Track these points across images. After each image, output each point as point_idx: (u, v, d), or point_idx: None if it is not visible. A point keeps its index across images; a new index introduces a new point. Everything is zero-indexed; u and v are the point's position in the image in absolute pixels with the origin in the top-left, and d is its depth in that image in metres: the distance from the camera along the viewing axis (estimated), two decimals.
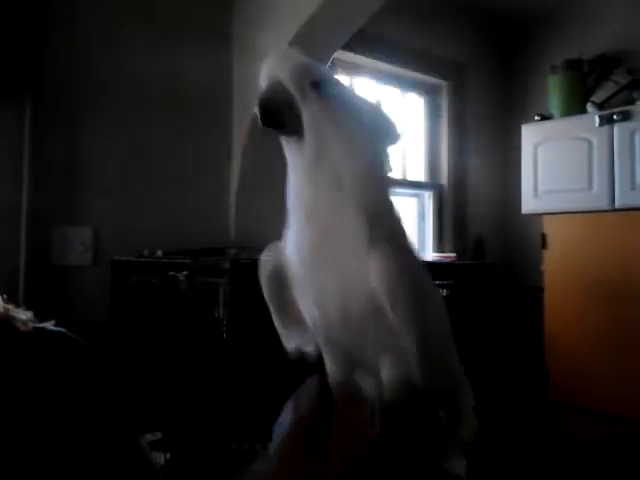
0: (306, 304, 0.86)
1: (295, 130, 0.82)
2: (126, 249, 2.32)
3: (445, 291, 2.51)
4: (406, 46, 3.53)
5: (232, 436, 1.66)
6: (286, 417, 0.84)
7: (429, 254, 3.72)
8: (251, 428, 1.23)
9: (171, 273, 1.94)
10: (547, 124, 3.31)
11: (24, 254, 2.23)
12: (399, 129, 0.89)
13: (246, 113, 2.77)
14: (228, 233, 2.78)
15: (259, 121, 0.81)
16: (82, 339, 0.89)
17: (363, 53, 3.34)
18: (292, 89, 0.81)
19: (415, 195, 3.84)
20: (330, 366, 0.92)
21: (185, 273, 1.88)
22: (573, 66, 3.28)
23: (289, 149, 0.85)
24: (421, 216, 3.84)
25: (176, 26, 2.65)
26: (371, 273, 0.78)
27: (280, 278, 0.88)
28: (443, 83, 3.87)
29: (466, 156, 3.91)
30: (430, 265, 2.81)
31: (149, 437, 1.80)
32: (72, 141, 2.38)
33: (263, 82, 0.82)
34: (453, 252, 3.58)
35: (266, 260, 0.89)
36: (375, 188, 0.84)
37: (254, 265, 1.72)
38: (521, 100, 4.04)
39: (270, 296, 0.91)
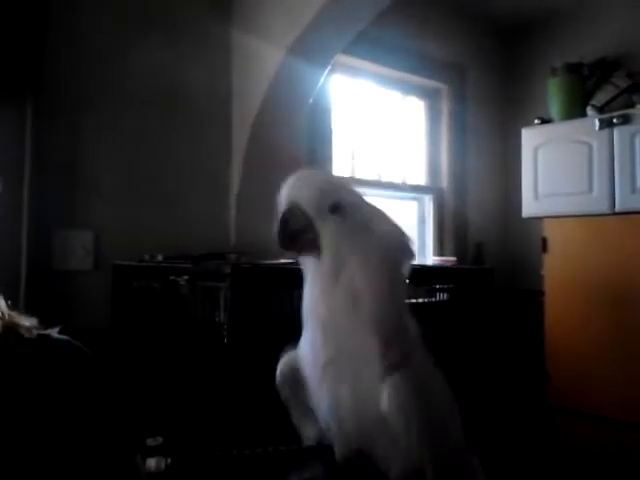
0: (320, 409, 0.89)
1: (313, 250, 0.83)
2: (127, 253, 2.32)
3: (445, 295, 2.51)
4: (406, 50, 3.54)
5: (233, 441, 1.65)
6: None
7: (429, 258, 3.72)
8: (252, 433, 1.23)
9: (172, 278, 1.94)
10: (547, 127, 3.31)
11: (25, 258, 2.23)
12: (414, 247, 0.90)
13: (246, 117, 2.77)
14: (228, 238, 2.78)
15: (278, 242, 0.83)
16: (85, 347, 0.89)
17: (363, 57, 3.35)
18: (311, 212, 0.83)
19: (415, 199, 3.84)
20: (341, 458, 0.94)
21: (186, 277, 1.88)
22: (573, 69, 3.29)
23: (308, 267, 0.86)
24: (421, 220, 3.84)
25: (176, 30, 2.66)
26: (383, 405, 0.80)
27: (296, 381, 0.90)
28: (443, 86, 3.87)
29: (466, 159, 3.92)
30: (430, 270, 2.81)
31: (150, 442, 1.80)
32: (73, 145, 2.38)
33: (283, 202, 0.84)
34: (453, 256, 3.58)
35: (284, 364, 0.92)
36: (391, 311, 0.85)
37: (255, 269, 1.73)
38: (521, 104, 4.05)
39: (287, 397, 0.93)
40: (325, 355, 0.83)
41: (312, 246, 0.83)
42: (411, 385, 0.82)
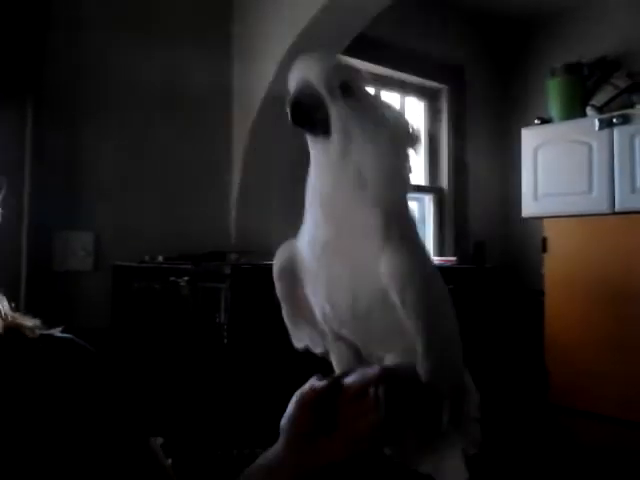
0: (317, 300, 0.87)
1: (323, 129, 0.83)
2: (127, 254, 2.33)
3: None
4: (406, 50, 3.54)
5: (233, 441, 1.66)
6: (292, 407, 0.86)
7: None
8: (252, 433, 1.23)
9: (172, 278, 1.94)
10: (547, 127, 3.31)
11: (25, 259, 2.23)
12: (420, 135, 0.91)
13: (246, 117, 2.77)
14: (229, 238, 2.78)
15: (289, 120, 0.83)
16: (89, 345, 0.89)
17: (363, 57, 3.33)
18: (322, 91, 0.83)
19: (415, 199, 3.84)
20: (337, 363, 0.93)
21: (186, 278, 1.88)
22: (573, 69, 3.29)
23: (315, 147, 0.87)
24: (422, 220, 3.84)
25: (177, 29, 2.66)
26: (383, 268, 0.80)
27: (293, 275, 0.89)
28: (443, 87, 3.88)
29: (466, 159, 3.92)
30: None
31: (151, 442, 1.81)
32: (73, 145, 2.38)
33: (293, 82, 0.84)
34: (454, 256, 3.58)
35: (280, 256, 0.91)
36: (395, 188, 0.86)
37: (255, 270, 1.74)
38: (521, 104, 4.05)
39: (282, 292, 0.92)
40: (325, 233, 0.83)
41: (323, 126, 0.83)
42: (410, 251, 0.82)
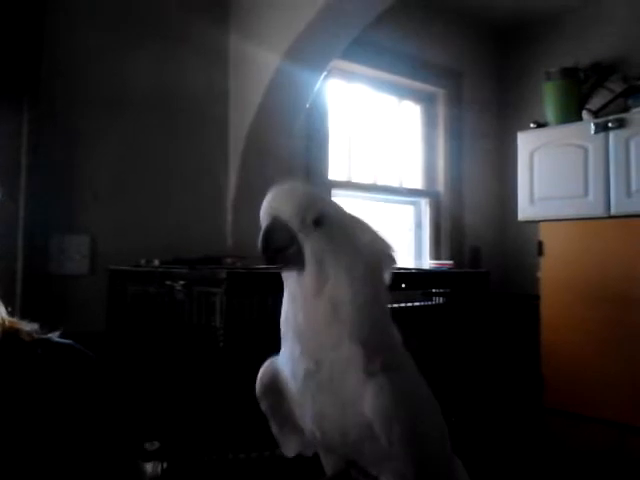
0: (305, 424, 0.88)
1: (296, 264, 0.83)
2: (123, 258, 2.32)
3: (441, 299, 2.51)
4: (402, 54, 3.55)
5: (229, 445, 1.66)
6: None
7: (426, 262, 3.73)
8: (248, 437, 1.23)
9: (168, 282, 1.94)
10: (543, 131, 3.32)
11: (21, 263, 2.23)
12: (397, 255, 0.90)
13: (243, 122, 2.77)
14: (225, 242, 2.78)
15: (262, 258, 0.83)
16: (88, 350, 0.89)
17: (360, 61, 3.35)
18: (294, 227, 0.83)
19: (412, 203, 3.85)
20: (328, 467, 0.94)
21: (182, 283, 1.88)
22: (569, 74, 3.30)
23: (288, 279, 0.86)
24: (418, 224, 3.85)
25: (174, 35, 2.66)
26: (366, 408, 0.80)
27: (277, 391, 0.90)
28: (439, 91, 3.88)
29: (462, 163, 3.93)
30: (426, 274, 2.82)
31: (147, 446, 1.80)
32: (70, 149, 2.38)
33: (265, 217, 0.84)
34: (450, 259, 3.59)
35: (262, 375, 0.91)
36: (373, 318, 0.85)
37: (251, 274, 1.73)
38: (517, 108, 4.06)
39: (267, 409, 0.93)
40: (304, 367, 0.83)
41: (296, 260, 0.83)
42: (394, 387, 0.82)
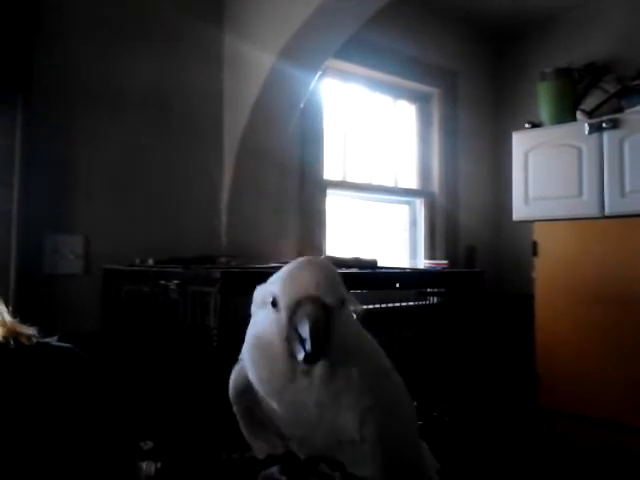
0: (281, 427, 0.88)
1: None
2: (118, 258, 2.32)
3: (436, 299, 2.52)
4: (397, 54, 3.55)
5: (223, 445, 1.66)
6: None
7: (420, 261, 3.73)
8: (241, 437, 1.23)
9: (162, 282, 1.94)
10: (537, 131, 3.33)
11: (14, 263, 2.22)
12: None
13: (237, 121, 2.77)
14: (220, 241, 2.78)
15: (310, 355, 0.78)
16: (87, 355, 0.90)
17: (354, 61, 3.35)
18: (333, 304, 0.81)
19: (406, 202, 3.85)
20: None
21: (176, 282, 1.88)
22: (563, 74, 3.31)
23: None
24: (412, 223, 3.85)
25: (169, 34, 2.66)
26: (343, 401, 0.80)
27: (250, 394, 0.90)
28: (434, 90, 3.89)
29: (457, 163, 3.94)
30: (421, 273, 2.82)
31: (141, 446, 1.80)
32: (64, 148, 2.38)
33: (299, 299, 0.80)
34: (444, 259, 3.59)
35: (235, 380, 0.91)
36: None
37: (245, 274, 1.73)
38: (512, 108, 4.07)
39: (240, 413, 0.92)
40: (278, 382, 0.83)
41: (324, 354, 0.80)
42: (379, 413, 0.82)
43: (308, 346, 0.76)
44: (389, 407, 0.86)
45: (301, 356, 0.78)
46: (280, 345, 0.81)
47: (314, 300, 0.79)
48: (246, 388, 0.90)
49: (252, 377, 0.87)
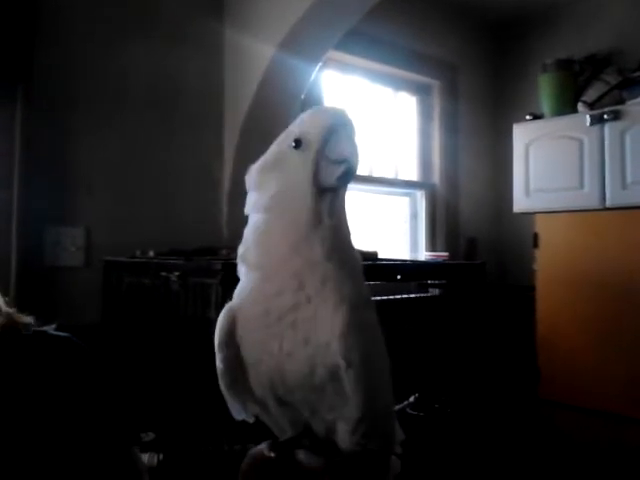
0: (262, 369, 0.87)
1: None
2: (119, 250, 2.31)
3: (437, 290, 2.52)
4: (398, 46, 3.54)
5: (224, 436, 1.66)
6: (243, 469, 0.87)
7: (421, 253, 3.73)
8: (243, 428, 1.23)
9: (163, 274, 1.94)
10: (538, 123, 3.32)
11: (15, 254, 2.22)
12: None
13: (237, 113, 2.77)
14: (221, 233, 2.78)
15: (346, 178, 0.82)
16: (85, 344, 0.89)
17: (355, 53, 3.34)
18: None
19: (407, 194, 3.85)
20: (276, 426, 0.94)
21: (177, 274, 1.88)
22: (564, 66, 3.29)
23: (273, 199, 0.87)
24: (413, 215, 3.85)
25: (169, 27, 2.65)
26: (335, 327, 0.80)
27: (234, 342, 0.88)
28: (435, 82, 3.88)
29: (458, 155, 3.93)
30: (422, 265, 2.82)
31: (142, 437, 1.80)
32: (64, 140, 2.37)
33: (352, 150, 0.83)
34: (445, 251, 3.59)
35: (223, 324, 0.89)
36: (355, 265, 0.88)
37: None
38: (513, 99, 4.06)
39: (225, 362, 0.90)
40: (293, 301, 0.82)
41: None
42: (357, 319, 0.82)
43: (350, 163, 0.80)
44: (372, 339, 0.87)
45: (338, 173, 0.81)
46: (307, 192, 0.83)
47: (350, 125, 0.84)
48: (233, 331, 0.88)
49: (256, 274, 0.86)
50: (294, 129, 0.89)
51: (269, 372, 0.85)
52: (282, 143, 0.90)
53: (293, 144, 0.85)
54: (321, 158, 0.82)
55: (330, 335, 0.80)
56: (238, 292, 0.89)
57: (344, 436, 0.86)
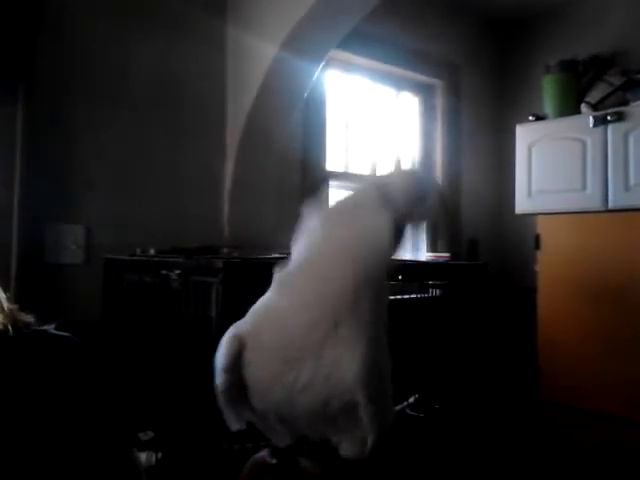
0: (268, 397, 0.86)
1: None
2: (119, 247, 2.31)
3: (438, 291, 2.51)
4: (401, 45, 3.53)
5: (224, 436, 1.65)
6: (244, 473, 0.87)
7: (423, 254, 3.72)
8: (242, 428, 1.23)
9: (164, 272, 1.93)
10: (541, 124, 3.31)
11: (16, 252, 2.22)
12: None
13: (240, 112, 2.76)
14: (222, 231, 2.77)
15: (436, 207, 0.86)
16: (85, 343, 0.89)
17: (358, 52, 3.34)
18: None
19: None
20: (276, 435, 0.93)
21: (178, 272, 1.87)
22: (568, 66, 3.29)
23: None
24: None
25: (172, 26, 2.64)
26: (349, 375, 0.79)
27: (238, 365, 0.88)
28: (438, 82, 3.87)
29: (460, 156, 3.92)
30: (424, 266, 2.81)
31: (141, 436, 1.80)
32: (65, 138, 2.37)
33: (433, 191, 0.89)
34: (447, 252, 3.58)
35: (231, 349, 0.88)
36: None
37: (247, 264, 1.73)
38: (516, 100, 4.05)
39: (228, 383, 0.89)
40: (321, 338, 0.82)
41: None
42: (370, 352, 0.82)
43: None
44: (387, 367, 0.87)
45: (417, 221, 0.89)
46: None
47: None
48: (239, 356, 0.88)
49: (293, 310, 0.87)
50: (370, 193, 1.00)
51: (278, 401, 0.84)
52: (350, 199, 1.05)
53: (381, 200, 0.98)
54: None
55: (352, 374, 0.79)
56: (255, 314, 0.88)
57: (350, 451, 0.86)
